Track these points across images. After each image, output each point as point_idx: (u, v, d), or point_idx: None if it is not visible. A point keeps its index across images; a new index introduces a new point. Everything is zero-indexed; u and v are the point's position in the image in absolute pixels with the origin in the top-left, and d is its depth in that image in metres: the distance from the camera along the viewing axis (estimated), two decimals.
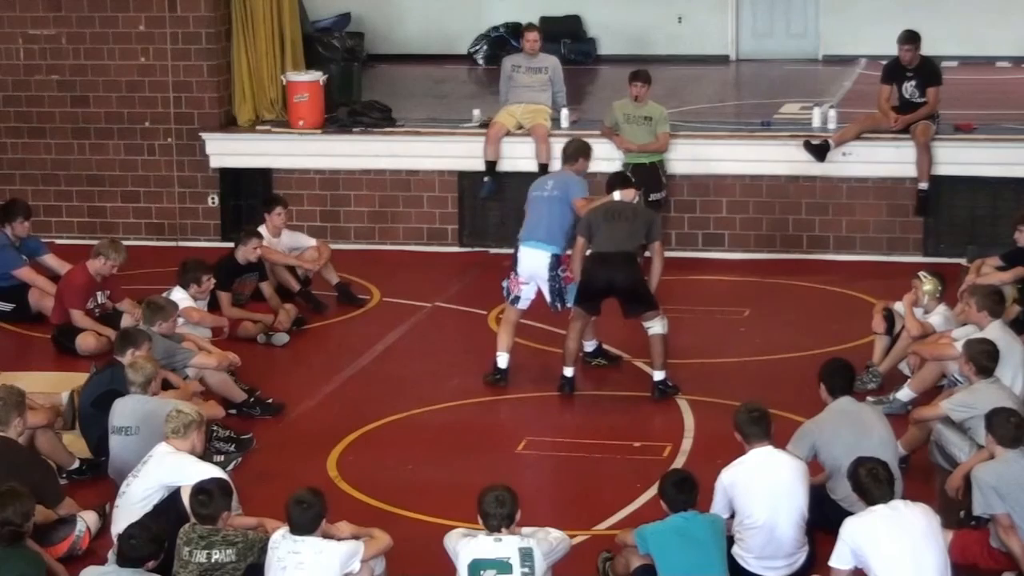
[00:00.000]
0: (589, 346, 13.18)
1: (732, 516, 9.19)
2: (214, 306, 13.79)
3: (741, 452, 9.30)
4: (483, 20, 23.99)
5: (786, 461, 9.25)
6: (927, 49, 16.41)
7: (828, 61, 23.29)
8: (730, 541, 9.09)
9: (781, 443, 9.54)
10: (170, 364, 11.67)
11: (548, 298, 12.77)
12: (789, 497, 9.10)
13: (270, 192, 16.97)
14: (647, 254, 12.84)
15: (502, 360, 12.82)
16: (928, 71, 16.25)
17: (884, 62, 16.87)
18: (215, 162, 17.60)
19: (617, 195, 12.61)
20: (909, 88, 16.23)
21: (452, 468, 11.14)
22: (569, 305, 12.66)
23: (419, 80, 22.17)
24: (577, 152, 13.21)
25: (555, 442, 11.68)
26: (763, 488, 9.06)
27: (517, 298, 12.86)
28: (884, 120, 16.27)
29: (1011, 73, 22.10)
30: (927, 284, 12.25)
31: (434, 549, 8.84)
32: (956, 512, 9.53)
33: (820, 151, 16.33)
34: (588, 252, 12.42)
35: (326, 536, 8.66)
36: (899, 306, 12.44)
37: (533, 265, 12.72)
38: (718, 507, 9.16)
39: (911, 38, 16.20)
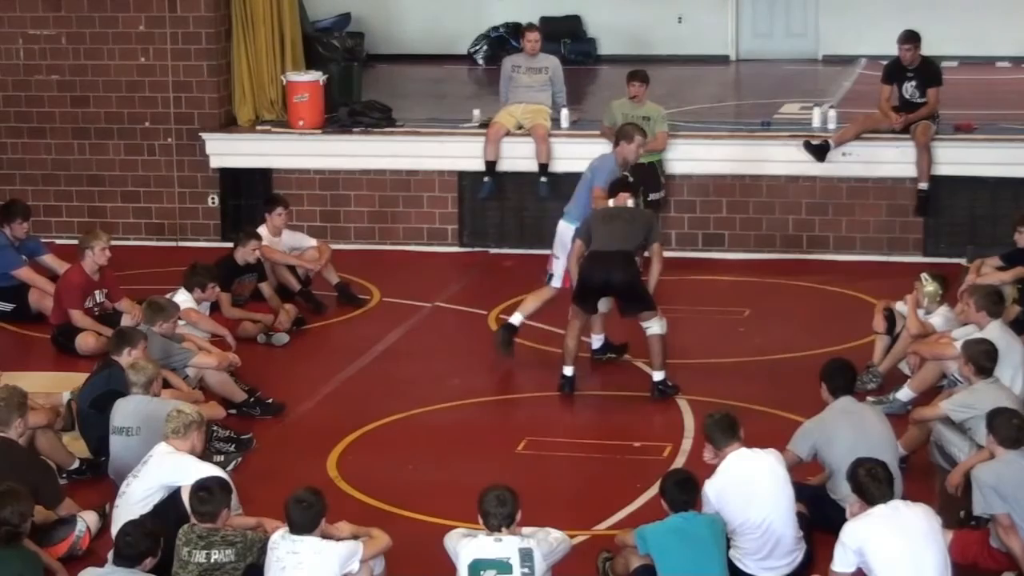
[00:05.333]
0: (596, 342, 13.18)
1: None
2: (214, 307, 13.78)
3: None
4: (483, 20, 24.00)
5: (762, 457, 9.15)
6: (927, 49, 16.40)
7: (828, 61, 23.30)
8: (728, 542, 9.08)
9: (782, 444, 9.54)
10: (168, 364, 11.67)
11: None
12: (776, 490, 9.03)
13: (270, 192, 16.96)
14: (646, 254, 12.84)
15: (515, 319, 13.22)
16: (928, 71, 16.24)
17: (884, 62, 16.88)
18: (215, 162, 17.59)
19: (611, 202, 12.65)
20: (909, 88, 16.22)
21: (452, 468, 11.13)
22: (554, 285, 13.08)
23: (419, 80, 22.17)
24: (618, 136, 13.34)
25: (555, 442, 11.66)
26: (751, 490, 8.99)
27: (551, 276, 13.15)
28: (884, 120, 16.26)
29: (1011, 73, 22.11)
30: (928, 286, 12.24)
31: (434, 549, 8.83)
32: (956, 512, 9.52)
33: (820, 151, 16.33)
34: (586, 252, 12.44)
35: (325, 536, 8.65)
36: (900, 306, 12.43)
37: (562, 238, 13.10)
38: None
39: (911, 38, 16.20)
